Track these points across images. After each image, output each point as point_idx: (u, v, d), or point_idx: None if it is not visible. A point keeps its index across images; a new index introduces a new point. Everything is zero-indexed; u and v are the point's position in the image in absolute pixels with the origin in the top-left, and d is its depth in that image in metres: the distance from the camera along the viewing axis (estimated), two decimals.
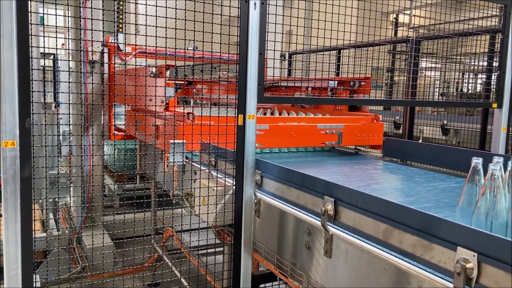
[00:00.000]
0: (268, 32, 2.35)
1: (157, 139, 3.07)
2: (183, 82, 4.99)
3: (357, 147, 3.74)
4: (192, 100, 5.14)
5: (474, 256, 1.25)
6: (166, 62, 2.85)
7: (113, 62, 3.72)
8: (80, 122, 3.55)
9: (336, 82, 3.71)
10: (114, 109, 4.16)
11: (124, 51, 3.75)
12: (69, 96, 2.29)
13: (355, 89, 3.59)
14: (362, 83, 3.55)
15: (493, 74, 3.50)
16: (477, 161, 1.57)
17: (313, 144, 3.38)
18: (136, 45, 3.45)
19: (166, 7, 2.22)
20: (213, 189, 2.44)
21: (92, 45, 3.48)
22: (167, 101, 2.92)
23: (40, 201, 4.67)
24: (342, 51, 5.46)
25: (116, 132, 3.87)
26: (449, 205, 2.02)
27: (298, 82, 3.80)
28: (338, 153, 3.70)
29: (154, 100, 2.78)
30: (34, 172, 1.81)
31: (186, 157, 2.85)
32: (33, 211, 1.81)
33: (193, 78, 5.03)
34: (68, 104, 2.23)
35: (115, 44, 3.63)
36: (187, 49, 3.29)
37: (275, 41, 2.52)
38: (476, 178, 1.56)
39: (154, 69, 2.90)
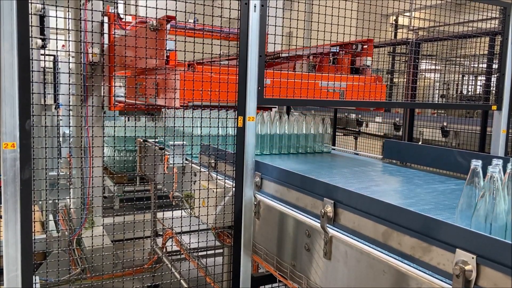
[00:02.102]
0: (268, 34, 2.35)
1: (158, 96, 3.00)
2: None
3: (357, 150, 3.74)
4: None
5: (473, 258, 1.25)
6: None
7: (112, 33, 3.63)
8: (81, 91, 3.51)
9: (338, 47, 3.61)
10: (115, 84, 4.05)
11: (124, 20, 3.69)
12: (69, 98, 2.30)
13: (357, 53, 3.52)
14: (364, 46, 3.46)
15: (493, 76, 3.51)
16: (476, 164, 1.57)
17: None
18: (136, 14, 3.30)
19: (166, 9, 2.23)
20: (213, 191, 2.44)
21: (92, 47, 3.48)
22: (168, 54, 2.80)
23: (40, 202, 4.68)
24: None
25: (116, 103, 3.80)
26: (448, 207, 2.02)
27: (299, 51, 3.70)
28: (337, 155, 3.70)
29: (155, 54, 2.67)
30: (34, 174, 1.82)
31: (186, 159, 2.86)
32: (33, 212, 1.81)
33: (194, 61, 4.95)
34: (68, 106, 2.23)
35: (115, 13, 3.58)
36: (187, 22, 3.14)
37: (275, 43, 2.52)
38: (475, 180, 1.56)
39: (154, 22, 2.78)
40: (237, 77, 2.25)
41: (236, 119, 2.26)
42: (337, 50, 3.61)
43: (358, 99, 2.99)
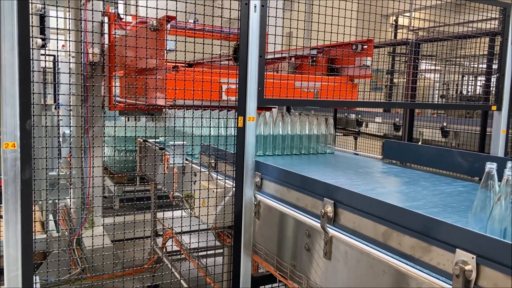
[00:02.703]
0: (268, 34, 2.35)
1: (147, 95, 3.01)
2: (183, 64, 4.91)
3: (357, 150, 3.73)
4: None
5: (473, 258, 1.26)
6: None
7: (113, 33, 3.63)
8: (81, 91, 3.51)
9: (316, 50, 3.63)
10: (115, 84, 4.05)
11: (124, 20, 3.68)
12: (69, 98, 2.30)
13: (357, 53, 3.51)
14: (364, 46, 3.45)
15: (493, 76, 3.51)
16: (491, 166, 1.53)
17: None
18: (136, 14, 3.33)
19: (166, 9, 2.23)
20: (213, 191, 2.44)
21: (92, 47, 3.48)
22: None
23: (40, 202, 4.68)
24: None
25: (116, 103, 3.80)
26: (457, 209, 1.98)
27: (285, 53, 3.79)
28: (340, 156, 3.69)
29: (155, 54, 2.67)
30: (35, 174, 1.82)
31: (186, 159, 2.86)
32: (33, 212, 1.82)
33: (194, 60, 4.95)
34: (68, 106, 2.23)
35: (115, 13, 3.58)
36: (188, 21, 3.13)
37: (275, 43, 2.52)
38: (489, 183, 1.52)
39: (154, 22, 2.77)
40: (237, 78, 2.26)
41: (236, 119, 2.26)
42: (315, 53, 3.64)
43: (332, 98, 2.98)
